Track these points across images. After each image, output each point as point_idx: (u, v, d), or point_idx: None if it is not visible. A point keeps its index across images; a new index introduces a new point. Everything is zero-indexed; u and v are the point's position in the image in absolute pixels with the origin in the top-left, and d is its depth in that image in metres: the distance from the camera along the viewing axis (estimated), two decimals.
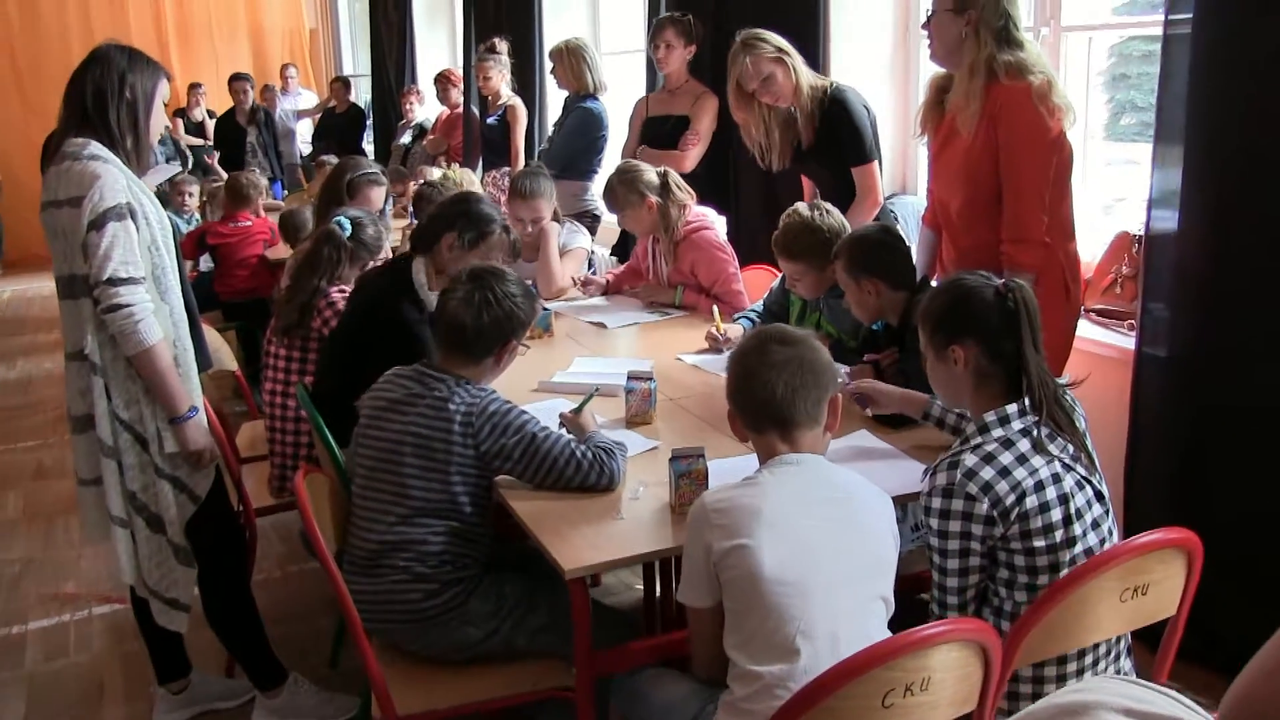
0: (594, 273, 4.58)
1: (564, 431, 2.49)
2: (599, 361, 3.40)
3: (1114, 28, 3.89)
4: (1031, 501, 1.92)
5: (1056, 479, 1.95)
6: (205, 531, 2.76)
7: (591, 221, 5.26)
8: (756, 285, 4.14)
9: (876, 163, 3.82)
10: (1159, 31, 2.97)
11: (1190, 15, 2.84)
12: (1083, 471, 2.01)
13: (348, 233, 3.44)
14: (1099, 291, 3.60)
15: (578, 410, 2.62)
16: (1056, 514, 1.94)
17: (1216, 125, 2.82)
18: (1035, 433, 1.98)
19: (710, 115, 4.75)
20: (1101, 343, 3.42)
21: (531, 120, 6.63)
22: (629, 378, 2.83)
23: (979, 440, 1.98)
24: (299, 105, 10.17)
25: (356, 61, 11.58)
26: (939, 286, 2.19)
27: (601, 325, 3.89)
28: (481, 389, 2.42)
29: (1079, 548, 1.95)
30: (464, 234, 3.10)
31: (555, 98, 6.51)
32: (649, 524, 2.24)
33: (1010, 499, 1.91)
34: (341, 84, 9.63)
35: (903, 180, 4.62)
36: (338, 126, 9.41)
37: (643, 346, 3.66)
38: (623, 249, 5.12)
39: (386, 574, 2.36)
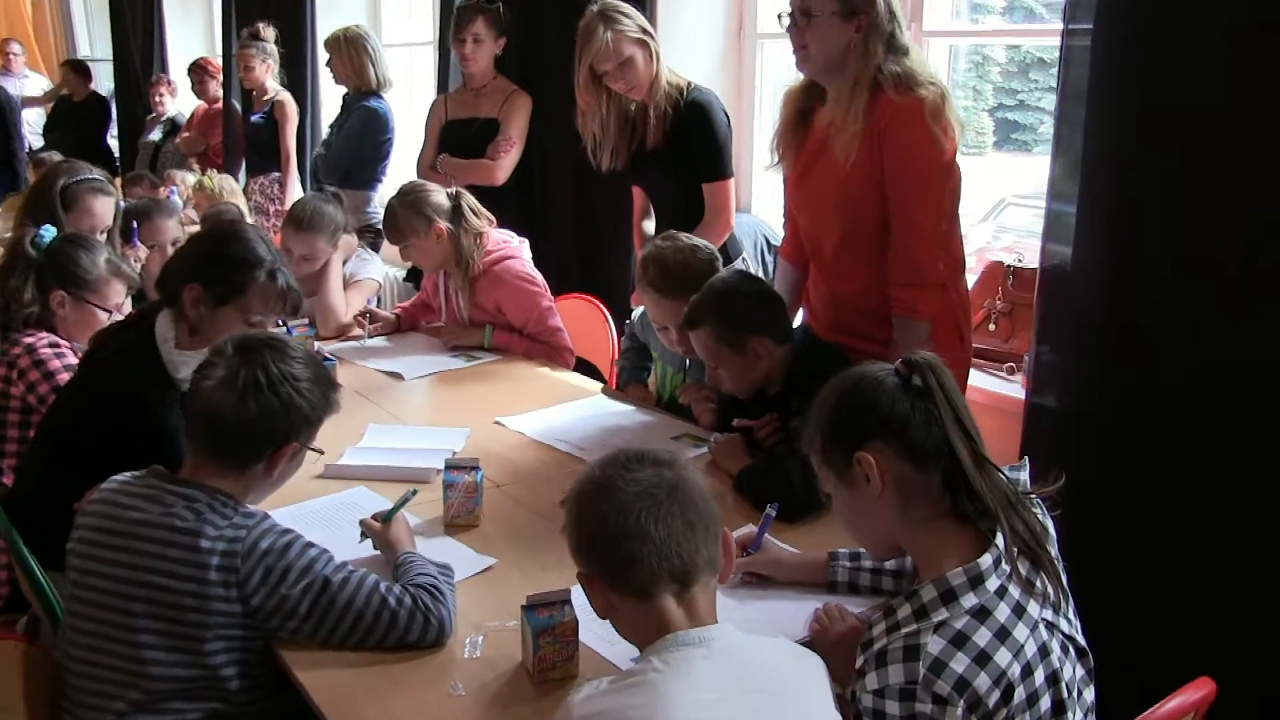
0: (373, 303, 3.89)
1: (365, 568, 1.79)
2: (400, 431, 2.75)
3: (980, 35, 3.52)
4: (1019, 695, 1.39)
5: (1044, 652, 1.43)
6: None
7: (375, 237, 4.58)
8: (572, 317, 3.62)
9: (731, 180, 3.33)
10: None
11: (1090, 26, 2.45)
12: (1065, 628, 1.51)
13: (44, 241, 2.68)
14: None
15: (388, 517, 1.99)
16: (1046, 702, 1.42)
17: (1119, 146, 2.43)
18: (1011, 588, 1.44)
19: (523, 117, 4.14)
20: (981, 389, 3.01)
21: (303, 119, 5.86)
22: (448, 468, 2.19)
23: (943, 615, 1.41)
24: (24, 90, 8.76)
25: (95, 44, 10.22)
26: (817, 399, 1.64)
27: (398, 376, 3.22)
28: (248, 513, 1.74)
29: None
30: (210, 287, 2.30)
31: (330, 95, 5.78)
32: (503, 700, 1.62)
33: (994, 698, 1.36)
34: (74, 69, 8.36)
35: (736, 197, 4.15)
36: (76, 118, 8.19)
37: (452, 404, 3.03)
38: (419, 273, 4.44)
39: None
